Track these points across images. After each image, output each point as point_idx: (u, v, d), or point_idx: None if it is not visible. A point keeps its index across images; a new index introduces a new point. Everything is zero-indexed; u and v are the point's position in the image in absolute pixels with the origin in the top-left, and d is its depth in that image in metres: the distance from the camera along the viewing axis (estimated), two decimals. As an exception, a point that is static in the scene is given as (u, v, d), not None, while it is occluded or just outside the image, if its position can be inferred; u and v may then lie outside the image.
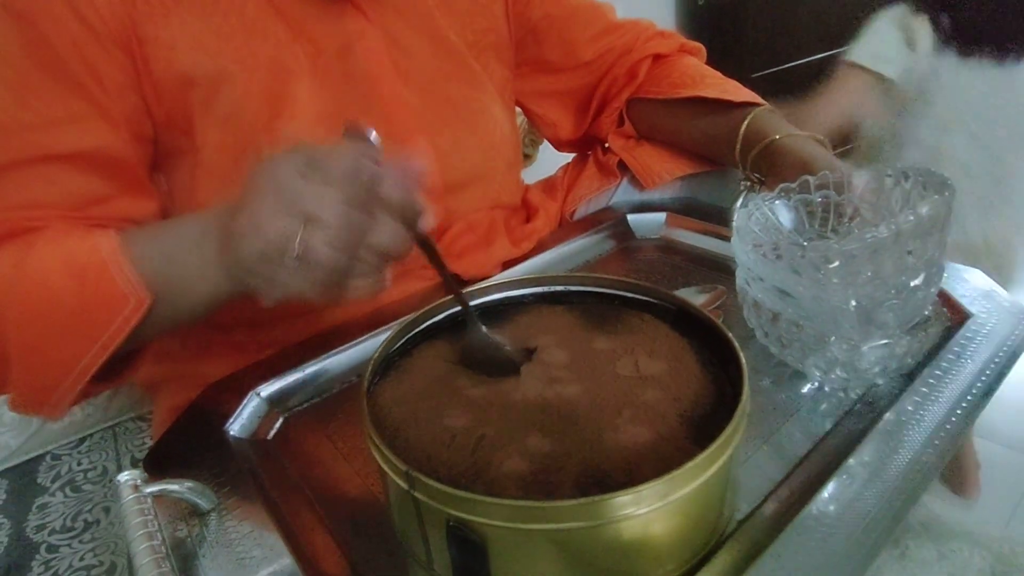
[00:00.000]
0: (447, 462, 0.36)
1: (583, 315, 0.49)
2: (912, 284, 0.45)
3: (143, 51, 0.53)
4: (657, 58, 0.81)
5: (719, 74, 0.79)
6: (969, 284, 0.57)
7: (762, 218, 0.52)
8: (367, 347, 0.59)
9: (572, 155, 0.92)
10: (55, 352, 0.48)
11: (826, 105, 1.08)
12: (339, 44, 0.61)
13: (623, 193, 0.83)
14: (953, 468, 0.99)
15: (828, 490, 0.39)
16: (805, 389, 0.50)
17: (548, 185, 0.88)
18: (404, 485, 0.34)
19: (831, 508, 0.38)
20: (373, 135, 0.42)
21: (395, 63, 0.65)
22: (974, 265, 0.59)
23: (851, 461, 0.41)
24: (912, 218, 0.43)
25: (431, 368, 0.45)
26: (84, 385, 0.49)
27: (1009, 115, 1.08)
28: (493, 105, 0.73)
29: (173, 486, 0.42)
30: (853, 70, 1.09)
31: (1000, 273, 1.08)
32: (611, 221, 0.78)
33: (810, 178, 0.53)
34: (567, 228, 0.80)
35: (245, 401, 0.53)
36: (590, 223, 0.78)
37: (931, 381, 0.48)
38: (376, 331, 0.60)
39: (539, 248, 0.74)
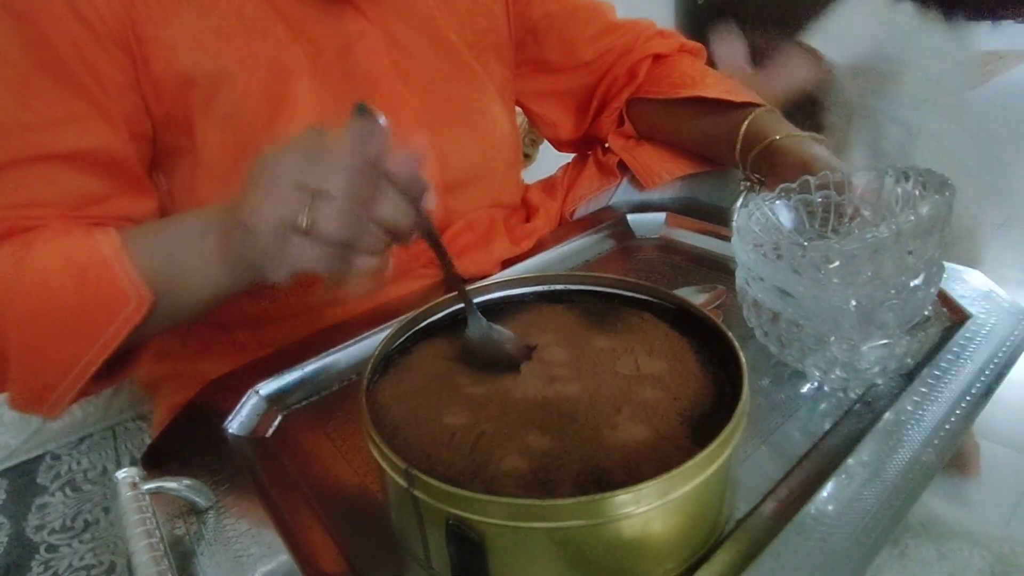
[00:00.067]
0: (446, 460, 0.36)
1: (583, 314, 0.49)
2: (912, 284, 0.45)
3: (143, 51, 0.53)
4: (657, 58, 0.81)
5: (719, 74, 0.79)
6: (968, 284, 0.57)
7: (762, 218, 0.52)
8: (366, 345, 0.59)
9: (572, 155, 0.92)
10: (55, 351, 0.48)
11: (766, 78, 1.13)
12: (339, 44, 0.61)
13: (623, 193, 0.83)
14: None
15: (827, 490, 0.39)
16: (804, 389, 0.50)
17: (548, 185, 0.88)
18: (403, 483, 0.34)
19: (830, 508, 0.38)
20: (381, 117, 0.42)
21: (395, 63, 0.65)
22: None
23: (850, 461, 0.41)
24: (912, 218, 0.43)
25: (431, 366, 0.45)
26: (84, 383, 0.49)
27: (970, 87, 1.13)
28: (493, 105, 0.73)
29: (171, 484, 0.42)
30: (799, 48, 1.14)
31: (966, 246, 1.14)
32: (611, 221, 0.78)
33: (810, 178, 0.53)
34: (567, 227, 0.80)
35: (244, 399, 0.53)
36: (590, 223, 0.78)
37: (930, 381, 0.48)
38: (375, 329, 0.60)
39: (539, 247, 0.74)
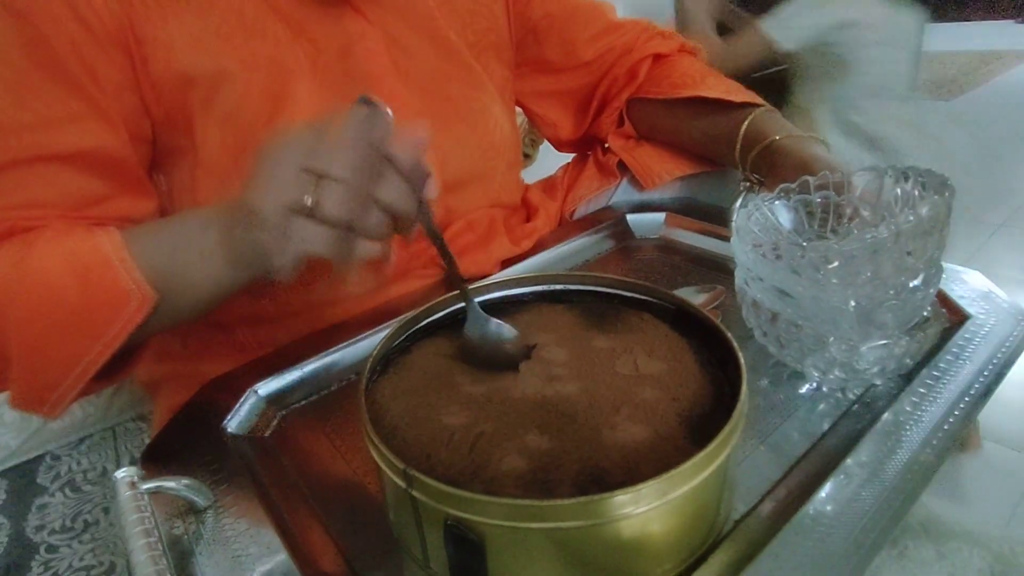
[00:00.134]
0: (445, 460, 0.36)
1: (583, 314, 0.49)
2: (911, 285, 0.45)
3: (142, 51, 0.53)
4: (657, 58, 0.81)
5: (719, 74, 0.79)
6: (968, 285, 0.57)
7: (762, 218, 0.52)
8: (365, 345, 0.59)
9: (572, 155, 0.92)
10: (56, 351, 0.48)
11: (721, 51, 1.21)
12: (339, 45, 0.61)
13: (623, 193, 0.83)
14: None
15: (826, 490, 0.39)
16: (803, 389, 0.50)
17: (548, 185, 0.88)
18: (402, 483, 0.34)
19: (828, 508, 0.38)
20: (385, 107, 0.43)
21: (395, 63, 0.65)
22: None
23: (849, 461, 0.41)
24: (912, 219, 0.43)
25: (430, 365, 0.45)
26: (85, 383, 0.49)
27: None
28: (493, 105, 0.73)
29: (170, 483, 0.42)
30: (752, 29, 1.21)
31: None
32: (611, 221, 0.78)
33: (810, 178, 0.53)
34: (567, 227, 0.80)
35: (243, 398, 0.53)
36: (590, 223, 0.78)
37: (929, 382, 0.48)
38: (374, 329, 0.60)
39: (538, 247, 0.74)
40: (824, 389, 0.50)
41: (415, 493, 0.34)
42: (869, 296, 0.45)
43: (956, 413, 0.45)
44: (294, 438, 0.51)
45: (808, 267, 0.44)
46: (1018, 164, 2.27)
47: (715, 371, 0.42)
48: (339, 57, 0.61)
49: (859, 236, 0.44)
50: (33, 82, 0.50)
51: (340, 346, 0.59)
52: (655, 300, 0.48)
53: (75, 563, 0.71)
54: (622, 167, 0.83)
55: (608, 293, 0.51)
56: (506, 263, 0.71)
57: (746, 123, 0.70)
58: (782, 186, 0.54)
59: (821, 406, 0.48)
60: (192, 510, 0.43)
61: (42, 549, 0.73)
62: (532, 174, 0.91)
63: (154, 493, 0.41)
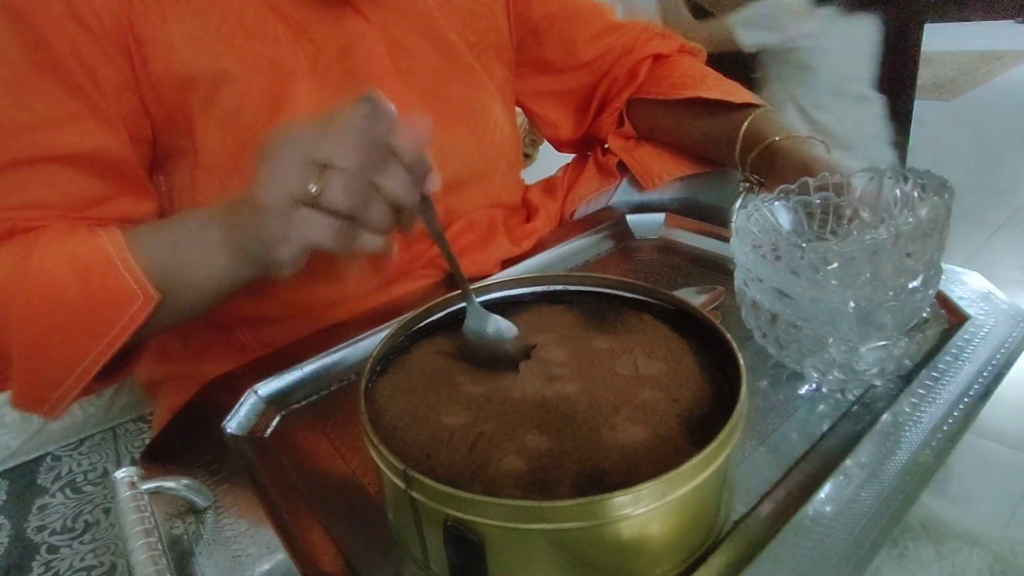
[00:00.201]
0: (445, 461, 0.37)
1: (583, 314, 0.49)
2: (911, 286, 0.45)
3: (141, 52, 0.53)
4: (657, 58, 0.81)
5: (719, 75, 0.79)
6: (967, 286, 0.58)
7: (761, 219, 0.52)
8: (365, 345, 0.59)
9: (572, 155, 0.92)
10: (58, 350, 0.48)
11: (689, 33, 1.21)
12: (339, 45, 0.61)
13: (623, 193, 0.83)
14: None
15: (825, 491, 0.39)
16: (803, 390, 0.50)
17: (548, 185, 0.88)
18: (401, 484, 0.34)
19: (828, 509, 0.38)
20: (388, 102, 0.43)
21: (396, 63, 0.65)
22: None
23: (848, 462, 0.41)
24: (911, 220, 0.43)
25: (430, 366, 0.45)
26: (86, 383, 0.49)
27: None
28: (493, 105, 0.73)
29: (170, 483, 0.42)
30: (719, 22, 1.24)
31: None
32: (610, 221, 0.78)
33: (809, 180, 0.53)
34: (567, 228, 0.80)
35: (243, 399, 0.53)
36: (589, 223, 0.78)
37: (928, 383, 0.48)
38: (374, 329, 0.60)
39: (538, 247, 0.74)
40: (823, 390, 0.50)
41: (415, 494, 0.34)
42: (868, 297, 0.45)
43: (955, 414, 0.45)
44: (294, 438, 0.51)
45: (807, 268, 0.45)
46: (1018, 164, 2.27)
47: (715, 372, 0.42)
48: (339, 57, 0.61)
49: (858, 237, 0.44)
50: (33, 83, 0.50)
51: (340, 346, 0.59)
52: (655, 301, 0.49)
53: (76, 563, 0.71)
54: (622, 167, 0.83)
55: (608, 294, 0.51)
56: (506, 263, 0.71)
57: (746, 124, 0.70)
58: (782, 187, 0.54)
59: (820, 407, 0.48)
60: (192, 510, 0.43)
61: (43, 550, 0.73)
62: (532, 174, 0.91)
63: (154, 493, 0.41)
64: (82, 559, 0.72)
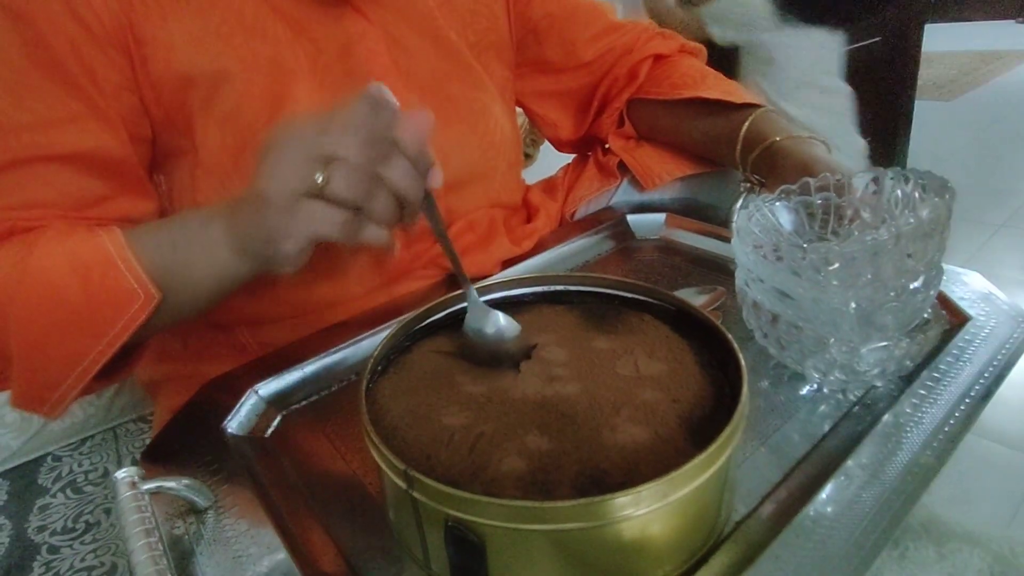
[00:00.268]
0: (445, 461, 0.36)
1: (583, 315, 0.49)
2: (912, 287, 0.45)
3: (141, 51, 0.53)
4: (658, 58, 0.81)
5: (720, 75, 0.79)
6: (968, 287, 0.57)
7: (762, 219, 0.52)
8: (366, 345, 0.59)
9: (573, 155, 0.92)
10: (57, 350, 0.48)
11: (664, 18, 1.29)
12: (340, 44, 0.61)
13: (623, 194, 0.83)
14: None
15: (826, 492, 0.39)
16: (804, 391, 0.50)
17: (548, 185, 0.88)
18: (402, 484, 0.34)
19: (829, 510, 0.38)
20: (391, 96, 0.43)
21: (396, 63, 0.65)
22: None
23: (849, 463, 0.41)
24: (912, 221, 0.43)
25: (430, 366, 0.45)
26: (86, 382, 0.49)
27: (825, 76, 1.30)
28: (494, 105, 0.73)
29: (170, 483, 0.42)
30: (692, 13, 1.29)
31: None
32: (611, 221, 0.78)
33: (810, 180, 0.53)
34: (567, 228, 0.80)
35: (243, 399, 0.53)
36: (590, 223, 0.78)
37: (929, 383, 0.48)
38: (375, 329, 0.60)
39: (539, 248, 0.74)
40: (824, 391, 0.50)
41: (415, 494, 0.34)
42: (869, 298, 0.45)
43: (956, 415, 0.45)
44: (294, 438, 0.51)
45: (809, 269, 0.44)
46: (1018, 164, 2.27)
47: (716, 372, 0.42)
48: (339, 57, 0.61)
49: (860, 238, 0.44)
50: (32, 83, 0.50)
51: (340, 346, 0.59)
52: (656, 301, 0.48)
53: (76, 564, 0.71)
54: (622, 168, 0.83)
55: (609, 294, 0.51)
56: (507, 263, 0.71)
57: (746, 124, 0.70)
58: (783, 187, 0.54)
59: (821, 408, 0.48)
60: (192, 510, 0.43)
61: (43, 550, 0.73)
62: (533, 174, 0.91)
63: (154, 493, 0.41)
64: (83, 559, 0.72)
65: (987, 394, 0.47)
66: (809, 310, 0.47)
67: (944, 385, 0.47)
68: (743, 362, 0.39)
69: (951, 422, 0.44)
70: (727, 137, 0.72)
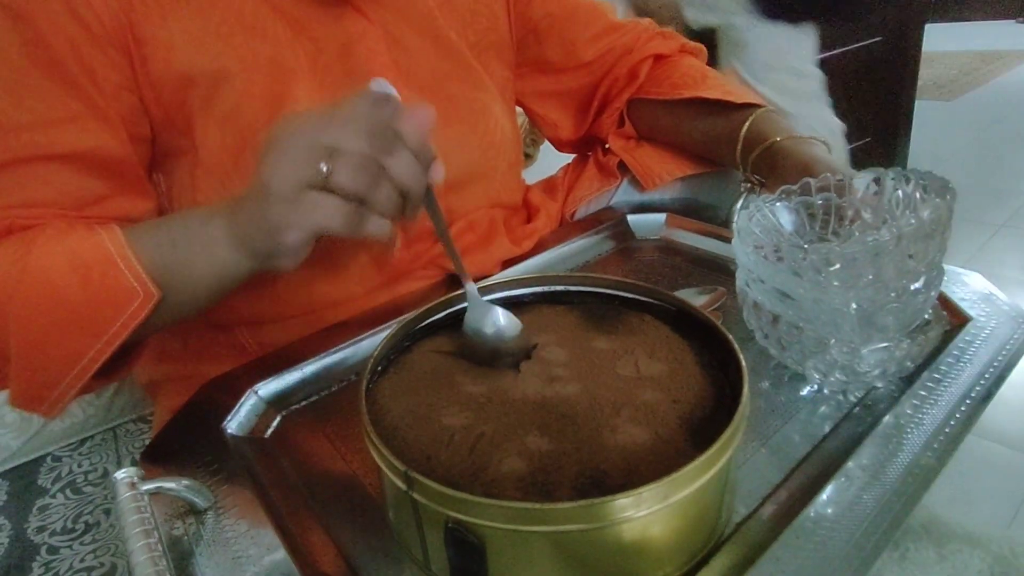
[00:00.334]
0: (445, 462, 0.36)
1: (583, 315, 0.49)
2: (913, 287, 0.45)
3: (141, 51, 0.53)
4: (658, 58, 0.81)
5: (720, 75, 0.79)
6: (968, 287, 0.57)
7: (763, 220, 0.52)
8: (365, 346, 0.59)
9: (573, 155, 0.92)
10: (56, 348, 0.48)
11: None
12: (340, 44, 0.61)
13: (623, 194, 0.83)
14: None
15: (827, 493, 0.39)
16: (804, 391, 0.50)
17: (548, 185, 0.88)
18: (402, 486, 0.34)
19: (829, 511, 0.38)
20: (392, 89, 0.44)
21: (396, 62, 0.65)
22: None
23: (850, 464, 0.41)
24: (914, 221, 0.43)
25: (430, 366, 0.45)
26: (84, 381, 0.49)
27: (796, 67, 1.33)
28: (494, 104, 0.73)
29: (170, 484, 0.42)
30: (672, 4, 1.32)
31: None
32: (611, 221, 0.78)
33: (811, 180, 0.53)
34: (567, 228, 0.80)
35: (243, 399, 0.53)
36: (590, 223, 0.78)
37: (930, 384, 0.47)
38: (375, 329, 0.60)
39: (539, 248, 0.74)
40: (825, 391, 0.50)
41: (415, 495, 0.34)
42: (870, 299, 0.45)
43: (957, 416, 0.45)
44: (294, 439, 0.51)
45: (809, 269, 0.44)
46: (1019, 164, 2.27)
47: (716, 373, 0.42)
48: (339, 56, 0.61)
49: (860, 239, 0.44)
50: (32, 82, 0.50)
51: (340, 347, 0.59)
52: (656, 301, 0.48)
53: (76, 564, 0.71)
54: (623, 168, 0.83)
55: (609, 294, 0.50)
56: (507, 264, 0.71)
57: (747, 124, 0.70)
58: (783, 188, 0.54)
59: (822, 408, 0.48)
60: (192, 511, 0.43)
61: (43, 550, 0.73)
62: (533, 174, 0.91)
63: (154, 494, 0.41)
64: (82, 560, 0.72)
65: (988, 395, 0.47)
66: (810, 311, 0.46)
67: (945, 386, 0.47)
68: (744, 363, 0.39)
69: (952, 423, 0.44)
70: (727, 137, 0.72)
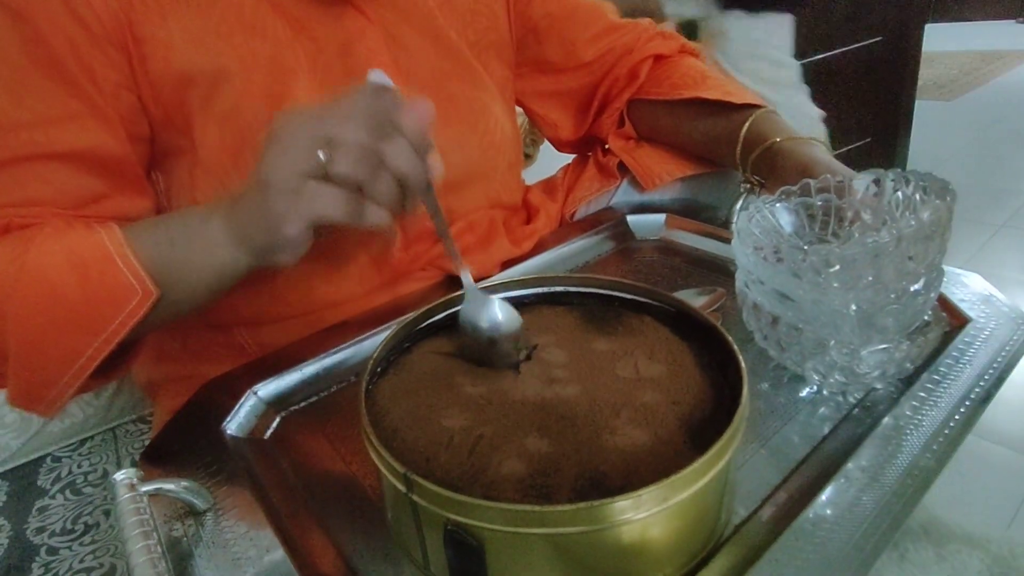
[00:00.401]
0: (445, 464, 0.36)
1: (583, 316, 0.49)
2: (912, 289, 0.45)
3: (140, 50, 0.53)
4: (658, 59, 0.81)
5: (720, 75, 0.79)
6: (968, 288, 0.57)
7: (763, 221, 0.52)
8: (365, 347, 0.59)
9: (573, 156, 0.92)
10: (55, 347, 0.48)
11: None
12: (339, 43, 0.61)
13: (623, 194, 0.83)
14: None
15: (826, 494, 0.39)
16: (804, 393, 0.50)
17: (548, 186, 0.88)
18: (402, 487, 0.34)
19: (829, 512, 0.38)
20: (391, 82, 0.44)
21: (396, 62, 0.65)
22: None
23: (849, 465, 0.41)
24: (913, 223, 0.43)
25: (430, 367, 0.45)
26: (83, 380, 0.49)
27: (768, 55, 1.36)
28: (494, 104, 0.73)
29: (169, 485, 0.42)
30: None
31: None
32: (611, 222, 0.78)
33: (811, 181, 0.53)
34: (567, 228, 0.80)
35: (242, 400, 0.53)
36: (590, 224, 0.78)
37: (929, 386, 0.47)
38: (374, 330, 0.60)
39: (539, 248, 0.74)
40: (825, 393, 0.50)
41: (415, 497, 0.34)
42: (870, 300, 0.45)
43: (956, 417, 0.45)
44: (294, 440, 0.51)
45: (809, 270, 0.44)
46: (1019, 164, 2.27)
47: (716, 374, 0.42)
48: (339, 55, 0.61)
49: (860, 240, 0.44)
50: (31, 81, 0.50)
51: (340, 347, 0.58)
52: (656, 302, 0.48)
53: (75, 565, 0.71)
54: (622, 168, 0.83)
55: (608, 295, 0.50)
56: (507, 264, 0.71)
57: (747, 125, 0.70)
58: (783, 188, 0.54)
59: (822, 410, 0.48)
60: (191, 512, 0.43)
61: (42, 551, 0.73)
62: (532, 174, 0.91)
63: (153, 495, 0.41)
64: (81, 561, 0.72)
65: (987, 396, 0.47)
66: (809, 312, 0.46)
67: (944, 387, 0.47)
68: (743, 364, 0.39)
69: (951, 424, 0.44)
70: (727, 137, 0.72)
